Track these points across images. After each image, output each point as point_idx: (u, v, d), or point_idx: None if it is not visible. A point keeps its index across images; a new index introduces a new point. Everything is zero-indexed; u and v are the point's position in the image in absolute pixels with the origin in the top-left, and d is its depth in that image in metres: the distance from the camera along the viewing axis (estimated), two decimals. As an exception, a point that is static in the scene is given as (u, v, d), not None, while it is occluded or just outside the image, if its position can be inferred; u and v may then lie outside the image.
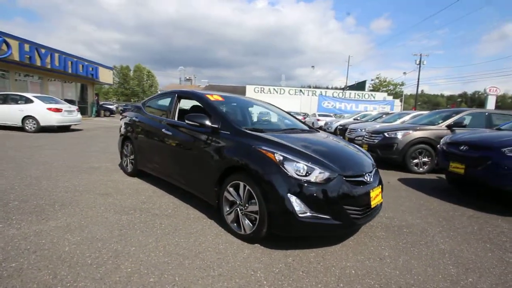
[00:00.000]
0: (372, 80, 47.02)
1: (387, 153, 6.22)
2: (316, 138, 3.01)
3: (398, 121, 9.01)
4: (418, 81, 37.49)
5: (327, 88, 46.15)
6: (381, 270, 2.08)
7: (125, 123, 4.53)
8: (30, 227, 2.43)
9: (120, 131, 4.73)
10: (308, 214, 2.09)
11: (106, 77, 21.31)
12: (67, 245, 2.17)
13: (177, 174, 3.24)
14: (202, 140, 2.86)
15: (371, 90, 41.78)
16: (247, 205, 2.35)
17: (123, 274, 1.84)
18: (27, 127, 9.52)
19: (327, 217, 2.12)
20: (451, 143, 4.28)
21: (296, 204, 2.08)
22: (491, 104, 30.73)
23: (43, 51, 14.95)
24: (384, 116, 11.68)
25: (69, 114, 10.37)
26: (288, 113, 4.00)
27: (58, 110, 9.78)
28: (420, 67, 37.21)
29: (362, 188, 2.32)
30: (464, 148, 3.92)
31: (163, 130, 3.44)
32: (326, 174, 2.17)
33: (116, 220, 2.68)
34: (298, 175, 2.15)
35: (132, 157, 4.24)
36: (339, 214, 2.16)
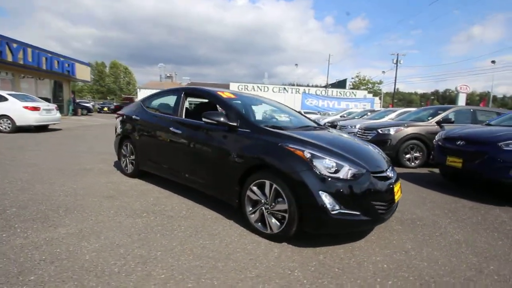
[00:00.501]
0: (352, 78, 48.39)
1: (381, 148, 6.39)
2: (333, 135, 3.02)
3: (386, 118, 9.33)
4: (395, 80, 39.04)
5: (308, 85, 46.90)
6: (410, 262, 2.13)
7: (123, 122, 4.31)
8: (39, 235, 2.24)
9: (116, 130, 4.49)
10: (340, 211, 2.09)
11: (83, 73, 20.23)
12: (86, 253, 2.02)
13: (190, 174, 3.13)
14: (219, 139, 2.78)
15: (351, 88, 42.93)
16: (273, 204, 2.31)
17: (157, 281, 1.74)
18: (1, 127, 8.82)
19: (357, 213, 2.14)
20: (447, 139, 4.48)
21: (328, 201, 2.07)
22: (462, 101, 32.64)
23: (14, 45, 13.91)
24: (369, 113, 12.06)
25: (48, 113, 9.73)
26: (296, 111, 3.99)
27: (35, 109, 9.14)
28: (397, 66, 38.80)
29: (387, 183, 2.36)
30: (461, 143, 4.12)
31: (171, 128, 3.30)
32: (355, 170, 2.18)
33: (131, 224, 2.54)
34: (329, 172, 2.14)
35: (132, 157, 4.05)
36: (368, 210, 2.18)
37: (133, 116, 4.06)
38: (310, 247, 2.27)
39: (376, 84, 49.32)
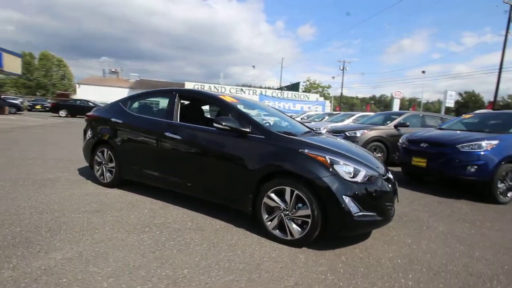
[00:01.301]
0: (304, 82, 51.01)
1: (349, 150, 6.94)
2: (335, 140, 3.17)
3: (346, 121, 10.12)
4: (342, 85, 42.56)
5: (261, 87, 47.86)
6: (417, 255, 2.37)
7: (96, 125, 3.86)
8: (30, 264, 1.87)
9: (87, 134, 3.99)
10: (360, 213, 2.22)
11: (12, 65, 17.29)
12: (101, 280, 1.76)
13: (194, 183, 2.95)
14: (230, 145, 2.69)
15: (303, 91, 45.26)
16: (294, 210, 2.34)
17: (199, 302, 1.62)
18: None
19: (374, 214, 2.30)
20: (411, 141, 5.07)
21: (351, 205, 2.19)
22: (396, 106, 37.10)
23: None
24: (327, 116, 12.89)
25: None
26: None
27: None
28: (343, 72, 42.28)
29: (391, 184, 2.58)
30: (425, 145, 4.71)
31: (167, 134, 3.07)
32: (370, 174, 2.34)
33: (137, 241, 2.30)
34: (349, 177, 2.25)
35: (111, 165, 3.64)
36: (382, 210, 2.36)
37: (112, 119, 3.65)
38: (329, 250, 2.36)
39: (325, 88, 52.97)
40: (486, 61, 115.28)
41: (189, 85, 34.36)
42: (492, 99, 21.97)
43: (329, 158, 2.30)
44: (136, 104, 3.74)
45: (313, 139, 2.75)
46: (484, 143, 4.10)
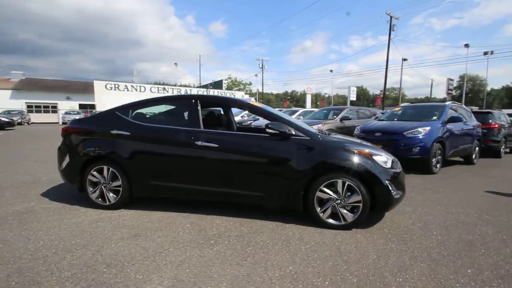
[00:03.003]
0: (225, 80, 51.51)
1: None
2: (345, 136, 3.70)
3: (293, 117, 11.12)
4: (262, 82, 45.08)
5: (176, 85, 46.00)
6: (424, 219, 3.13)
7: (86, 140, 3.33)
8: (138, 302, 1.68)
9: (68, 152, 3.37)
10: (395, 192, 2.79)
11: None
12: (229, 294, 1.76)
13: (234, 190, 2.96)
14: (276, 148, 2.86)
15: (226, 89, 45.85)
16: (345, 198, 2.74)
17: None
18: None
19: (400, 191, 2.91)
20: (366, 131, 6.18)
21: (391, 187, 2.73)
22: (309, 100, 42.00)
23: None
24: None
25: None
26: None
27: None
28: (262, 70, 44.83)
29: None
30: (379, 134, 5.85)
31: (198, 142, 2.97)
32: (392, 159, 2.95)
33: (218, 254, 2.27)
34: (384, 164, 2.80)
35: (116, 183, 3.21)
36: (403, 187, 2.99)
37: (114, 131, 3.21)
38: (374, 228, 2.86)
39: (247, 86, 55.09)
40: (368, 61, 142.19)
41: (99, 85, 30.16)
42: (376, 92, 27.62)
43: (369, 152, 2.79)
44: (141, 113, 3.37)
45: (338, 137, 3.20)
46: (421, 129, 5.45)
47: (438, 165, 5.66)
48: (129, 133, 3.18)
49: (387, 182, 2.72)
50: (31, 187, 4.22)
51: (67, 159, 3.40)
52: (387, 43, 26.00)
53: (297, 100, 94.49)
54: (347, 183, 2.71)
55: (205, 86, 40.30)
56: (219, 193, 3.02)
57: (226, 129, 3.73)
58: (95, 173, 3.25)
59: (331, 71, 48.61)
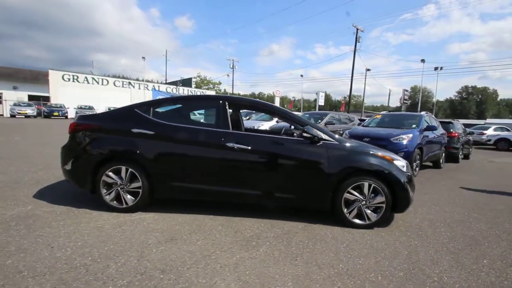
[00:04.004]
0: (194, 78, 50.21)
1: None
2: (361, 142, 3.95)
3: (273, 121, 11.33)
4: (232, 82, 45.00)
5: (138, 80, 43.68)
6: (429, 218, 3.50)
7: (102, 138, 3.10)
8: None
9: (84, 150, 3.11)
10: (411, 193, 3.09)
11: None
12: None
13: (264, 191, 3.00)
14: (308, 151, 2.98)
15: (195, 87, 44.79)
16: (370, 200, 2.96)
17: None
18: None
19: (412, 192, 3.22)
20: (354, 136, 6.59)
21: (409, 189, 3.02)
22: (277, 102, 42.90)
23: None
24: (253, 115, 13.83)
25: None
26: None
27: None
28: (233, 70, 44.75)
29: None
30: (367, 139, 6.30)
31: (229, 144, 2.95)
32: (407, 165, 3.26)
33: (268, 255, 2.31)
34: (402, 168, 3.08)
35: (135, 184, 3.05)
36: (414, 190, 3.31)
37: (135, 130, 3.04)
38: (392, 227, 3.12)
39: (216, 85, 54.35)
40: (331, 68, 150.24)
41: (54, 75, 27.44)
42: (338, 98, 29.47)
43: (391, 157, 3.05)
44: (163, 112, 3.22)
45: (359, 142, 3.43)
46: (405, 136, 6.02)
47: (417, 169, 6.29)
48: (153, 132, 3.04)
49: (406, 184, 3.00)
50: (16, 188, 3.77)
51: (75, 158, 3.12)
52: (353, 53, 27.86)
53: (265, 101, 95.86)
54: (372, 185, 2.93)
55: (175, 83, 38.88)
56: (250, 195, 3.04)
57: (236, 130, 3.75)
58: (111, 173, 3.04)
59: (301, 76, 50.14)
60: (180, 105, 3.42)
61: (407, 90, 35.87)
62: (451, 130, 8.88)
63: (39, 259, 2.07)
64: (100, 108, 26.90)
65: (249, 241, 2.56)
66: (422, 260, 2.37)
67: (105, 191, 3.07)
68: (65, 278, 1.85)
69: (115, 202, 3.08)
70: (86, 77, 29.31)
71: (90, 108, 26.33)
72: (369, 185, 2.93)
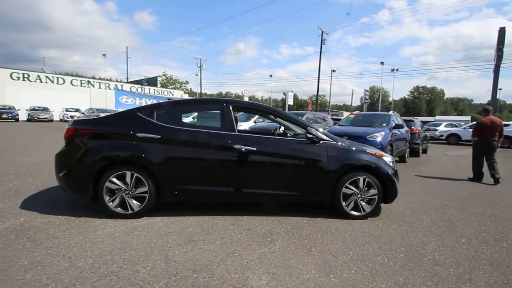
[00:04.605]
0: (160, 76, 48.38)
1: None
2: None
3: (252, 120, 11.51)
4: (200, 82, 44.24)
5: (94, 78, 41.06)
6: (415, 205, 3.96)
7: (103, 143, 3.03)
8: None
9: (84, 156, 2.99)
10: (397, 184, 3.49)
11: None
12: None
13: (270, 190, 3.18)
14: (309, 151, 3.21)
15: (161, 86, 43.19)
16: (365, 193, 3.28)
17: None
18: None
19: (397, 183, 3.63)
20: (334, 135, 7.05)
21: (396, 182, 3.41)
22: (247, 103, 43.22)
23: None
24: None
25: None
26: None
27: None
28: (201, 69, 43.98)
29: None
30: (345, 138, 6.77)
31: (236, 146, 3.07)
32: (393, 160, 3.66)
33: (283, 248, 2.49)
34: (390, 162, 3.46)
35: (142, 189, 3.02)
36: (399, 180, 3.72)
37: (141, 134, 3.01)
38: (382, 216, 3.49)
39: (183, 84, 52.92)
40: (296, 68, 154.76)
41: (3, 72, 24.55)
42: (304, 98, 30.75)
43: (381, 153, 3.42)
44: (167, 115, 3.21)
45: (350, 141, 3.76)
46: (378, 134, 6.60)
47: (389, 163, 6.93)
48: (159, 136, 3.04)
49: (394, 177, 3.38)
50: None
51: (74, 165, 2.99)
52: (319, 55, 29.18)
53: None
54: (367, 180, 3.26)
55: (139, 82, 37.05)
56: (257, 194, 3.19)
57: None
58: (114, 179, 2.97)
59: (270, 76, 51.71)
60: (184, 109, 3.44)
61: (367, 90, 38.45)
62: (413, 127, 9.86)
63: (61, 270, 2.01)
64: (56, 110, 24.83)
65: (264, 237, 2.72)
66: (415, 243, 2.74)
67: (108, 197, 2.99)
68: (98, 287, 1.84)
69: (119, 208, 3.02)
70: (38, 76, 26.69)
71: (45, 109, 24.17)
72: (364, 180, 3.26)
